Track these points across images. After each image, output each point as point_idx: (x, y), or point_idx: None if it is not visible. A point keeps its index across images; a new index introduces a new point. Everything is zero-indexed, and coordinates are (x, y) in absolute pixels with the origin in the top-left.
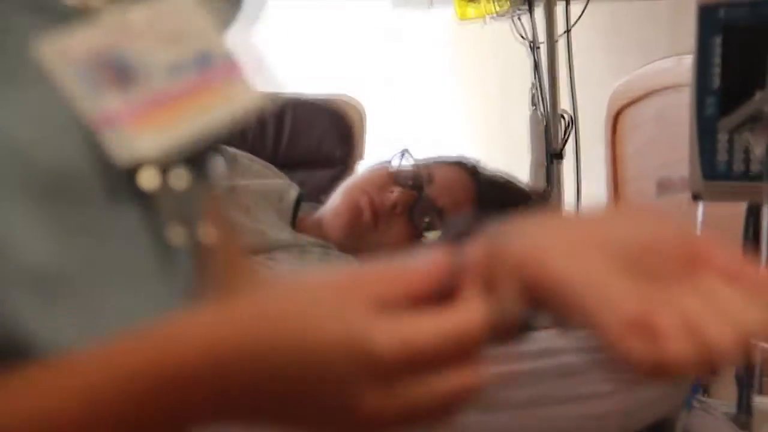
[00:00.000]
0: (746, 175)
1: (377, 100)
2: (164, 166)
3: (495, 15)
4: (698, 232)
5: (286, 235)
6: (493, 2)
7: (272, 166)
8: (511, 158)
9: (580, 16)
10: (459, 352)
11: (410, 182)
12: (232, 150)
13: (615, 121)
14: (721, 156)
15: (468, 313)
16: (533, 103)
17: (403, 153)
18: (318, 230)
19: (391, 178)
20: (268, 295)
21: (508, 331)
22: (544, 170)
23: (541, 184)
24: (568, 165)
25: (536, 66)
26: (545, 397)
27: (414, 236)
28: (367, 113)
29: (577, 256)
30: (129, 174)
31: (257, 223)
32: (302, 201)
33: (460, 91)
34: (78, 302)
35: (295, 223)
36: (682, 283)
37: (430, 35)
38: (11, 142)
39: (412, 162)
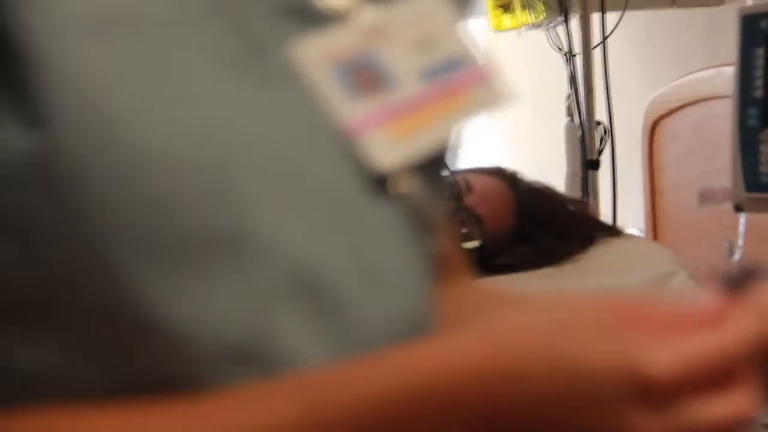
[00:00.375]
0: None
1: None
2: (411, 173)
3: (530, 26)
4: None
5: None
6: (529, 13)
7: None
8: (547, 168)
9: (616, 26)
10: (735, 369)
11: (449, 191)
12: None
13: (652, 131)
14: (764, 168)
15: (740, 328)
16: (569, 113)
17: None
18: None
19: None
20: (530, 319)
21: None
22: (579, 180)
23: (577, 193)
24: (604, 175)
25: (572, 76)
26: None
27: (453, 245)
28: None
29: None
30: (383, 179)
31: None
32: None
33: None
34: (339, 316)
35: None
36: None
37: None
38: (272, 147)
39: (450, 171)
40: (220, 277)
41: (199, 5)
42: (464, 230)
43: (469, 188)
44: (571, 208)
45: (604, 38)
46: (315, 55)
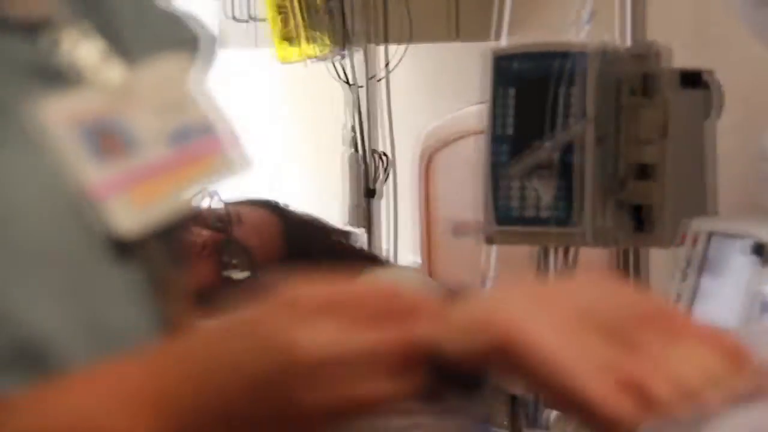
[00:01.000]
0: (537, 221)
1: None
2: (150, 236)
3: (315, 58)
4: (493, 273)
5: None
6: (313, 45)
7: None
8: (328, 198)
9: (399, 60)
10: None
11: (219, 223)
12: None
13: (428, 162)
14: (514, 202)
15: (399, 332)
16: (351, 144)
17: (213, 194)
18: None
19: (201, 219)
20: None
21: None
22: (361, 210)
23: (359, 223)
24: (386, 206)
25: (357, 107)
26: None
27: (221, 277)
28: None
29: (561, 325)
30: (124, 243)
31: None
32: None
33: (281, 131)
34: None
35: None
36: (666, 348)
37: (254, 74)
38: (8, 209)
39: (220, 203)
40: None
41: None
42: (234, 261)
43: (239, 220)
44: (339, 239)
45: (388, 71)
46: (59, 116)
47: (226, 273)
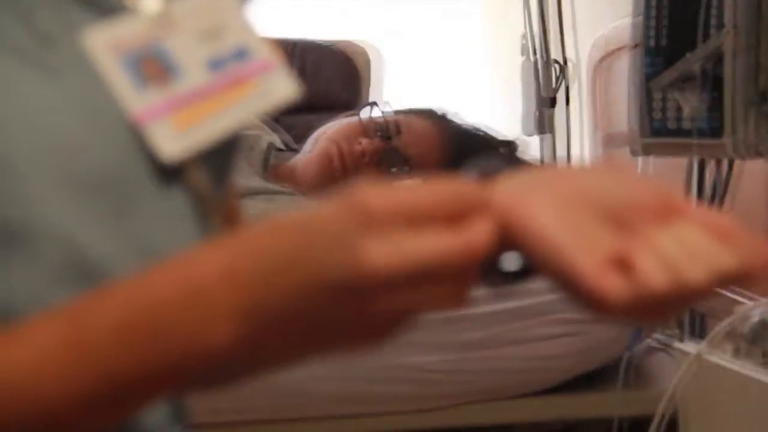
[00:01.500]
0: (685, 132)
1: (396, 47)
2: (197, 161)
3: None
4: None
5: (253, 183)
6: None
7: None
8: (501, 106)
9: None
10: (456, 269)
11: (379, 133)
12: None
13: (600, 70)
14: (656, 114)
15: (469, 236)
16: (523, 52)
17: (374, 104)
18: (290, 178)
19: (361, 128)
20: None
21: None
22: (533, 118)
23: (533, 131)
24: (563, 113)
25: (528, 14)
26: (496, 339)
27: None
28: (378, 58)
29: (559, 205)
30: (170, 166)
31: None
32: (273, 150)
33: (458, 42)
34: None
35: (266, 171)
36: (658, 230)
37: None
38: (60, 139)
39: (381, 113)
40: (10, 262)
41: None
42: (394, 170)
43: (399, 129)
44: (500, 147)
45: None
46: (103, 45)
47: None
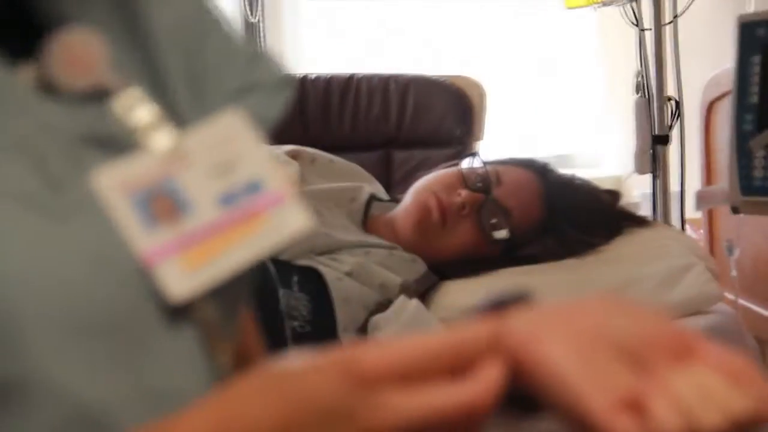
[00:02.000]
0: None
1: (498, 81)
2: (207, 299)
3: (603, 3)
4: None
5: (352, 236)
6: None
7: (355, 165)
8: (616, 144)
9: (689, 4)
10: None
11: (479, 184)
12: (311, 151)
13: (710, 111)
14: (758, 172)
15: (477, 386)
16: (638, 89)
17: (474, 155)
18: (389, 230)
19: (461, 179)
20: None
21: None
22: (647, 156)
23: (646, 168)
24: (677, 151)
25: (642, 52)
26: None
27: (481, 237)
28: (487, 93)
29: (573, 343)
30: (179, 306)
31: (324, 225)
32: (374, 201)
33: (570, 76)
34: None
35: (366, 222)
36: (672, 371)
37: (540, 21)
38: (65, 289)
39: (481, 164)
40: (8, 419)
41: (1, 140)
42: (493, 221)
43: (499, 180)
44: (602, 200)
45: (676, 15)
46: (113, 184)
47: (485, 232)
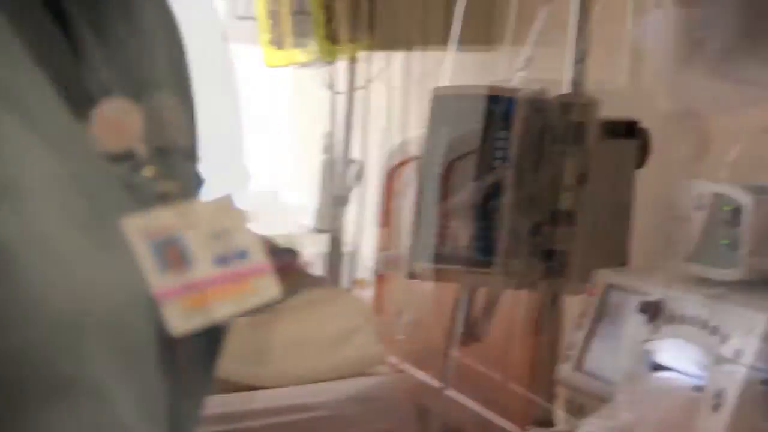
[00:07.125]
0: (458, 260)
1: None
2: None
3: (301, 64)
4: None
5: None
6: (300, 51)
7: None
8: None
9: (382, 71)
10: None
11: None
12: None
13: (391, 177)
14: (437, 239)
15: None
16: (326, 150)
17: None
18: None
19: None
20: None
21: None
22: (328, 215)
23: (324, 227)
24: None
25: (337, 114)
26: None
27: None
28: None
29: None
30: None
31: None
32: None
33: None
34: None
35: None
36: None
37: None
38: (118, 305)
39: None
40: (48, 415)
41: (65, 175)
42: None
43: None
44: (278, 259)
45: (369, 80)
46: (138, 229)
47: None
